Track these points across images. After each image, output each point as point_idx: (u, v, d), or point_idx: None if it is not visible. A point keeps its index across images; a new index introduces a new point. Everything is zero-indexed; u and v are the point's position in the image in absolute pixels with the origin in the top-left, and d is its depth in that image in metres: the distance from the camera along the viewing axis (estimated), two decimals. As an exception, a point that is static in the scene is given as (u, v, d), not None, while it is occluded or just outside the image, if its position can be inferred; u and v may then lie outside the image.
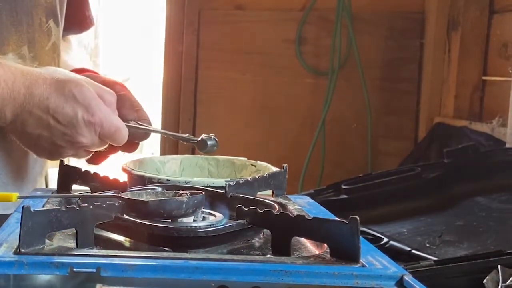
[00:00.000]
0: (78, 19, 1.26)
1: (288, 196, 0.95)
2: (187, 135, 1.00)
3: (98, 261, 0.61)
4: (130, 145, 1.04)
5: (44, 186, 1.22)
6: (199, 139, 0.97)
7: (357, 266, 0.63)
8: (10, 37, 1.06)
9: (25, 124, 0.94)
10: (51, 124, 0.93)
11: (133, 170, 1.03)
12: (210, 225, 0.73)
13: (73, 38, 1.32)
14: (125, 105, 1.02)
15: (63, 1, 1.17)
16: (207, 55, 2.66)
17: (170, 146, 2.67)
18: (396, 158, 2.51)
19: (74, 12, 1.23)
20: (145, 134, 1.03)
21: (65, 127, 0.93)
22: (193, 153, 2.60)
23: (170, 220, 0.74)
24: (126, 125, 0.98)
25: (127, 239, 0.75)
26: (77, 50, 1.31)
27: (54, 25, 1.12)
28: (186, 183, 0.94)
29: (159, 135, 2.71)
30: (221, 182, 0.86)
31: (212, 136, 0.97)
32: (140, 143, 1.07)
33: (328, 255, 0.66)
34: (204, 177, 1.14)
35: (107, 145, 0.98)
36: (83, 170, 0.93)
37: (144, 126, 1.02)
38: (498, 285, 0.93)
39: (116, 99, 0.98)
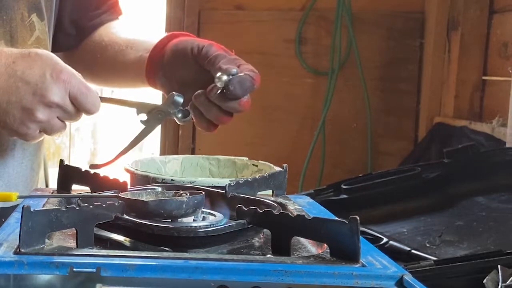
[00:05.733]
0: (107, 5, 1.26)
1: (288, 196, 0.95)
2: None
3: (98, 261, 0.61)
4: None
5: (44, 186, 1.22)
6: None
7: (357, 266, 0.63)
8: None
9: None
10: (19, 86, 0.92)
11: (137, 170, 1.03)
12: (210, 225, 0.73)
13: None
14: (223, 61, 1.00)
15: None
16: (207, 55, 2.65)
17: (170, 146, 2.67)
18: (396, 158, 2.51)
19: (102, 1, 1.25)
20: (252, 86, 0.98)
21: (34, 86, 0.92)
22: (193, 153, 2.60)
23: (170, 220, 0.74)
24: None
25: (127, 239, 0.75)
26: None
27: (37, 19, 1.12)
28: (191, 183, 0.94)
29: (158, 136, 2.71)
30: (226, 182, 0.86)
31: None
32: (139, 143, 1.06)
33: (328, 255, 0.66)
34: (205, 176, 1.14)
35: (80, 116, 0.96)
36: (83, 170, 0.93)
37: (116, 99, 1.01)
38: (498, 285, 0.93)
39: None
